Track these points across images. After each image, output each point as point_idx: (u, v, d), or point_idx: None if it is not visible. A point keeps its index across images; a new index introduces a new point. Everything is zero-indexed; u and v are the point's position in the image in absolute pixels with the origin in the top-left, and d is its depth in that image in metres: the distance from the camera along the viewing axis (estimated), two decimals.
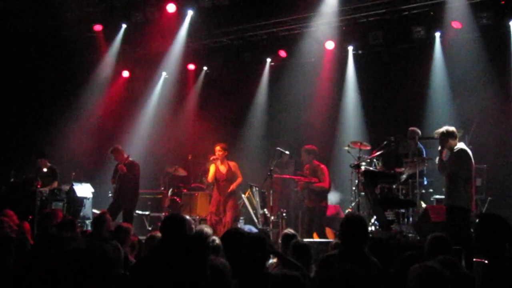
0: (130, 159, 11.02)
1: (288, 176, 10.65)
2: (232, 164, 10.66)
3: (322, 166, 10.28)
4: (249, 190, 11.51)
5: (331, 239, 9.57)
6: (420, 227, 9.65)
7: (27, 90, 13.36)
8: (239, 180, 10.61)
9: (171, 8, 12.28)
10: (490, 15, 10.91)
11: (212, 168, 10.63)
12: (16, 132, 12.96)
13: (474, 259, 7.55)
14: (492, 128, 10.91)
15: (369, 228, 9.64)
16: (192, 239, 2.89)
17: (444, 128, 8.26)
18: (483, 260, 7.17)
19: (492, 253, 4.29)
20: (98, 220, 6.68)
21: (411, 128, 10.80)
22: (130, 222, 9.59)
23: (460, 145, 8.32)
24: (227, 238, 4.79)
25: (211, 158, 10.57)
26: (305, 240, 7.84)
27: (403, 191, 10.20)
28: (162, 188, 12.93)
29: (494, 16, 10.92)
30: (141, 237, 9.13)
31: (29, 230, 7.38)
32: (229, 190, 10.42)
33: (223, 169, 10.55)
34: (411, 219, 10.35)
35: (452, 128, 8.28)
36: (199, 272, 2.68)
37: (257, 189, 11.07)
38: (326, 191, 10.18)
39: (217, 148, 10.56)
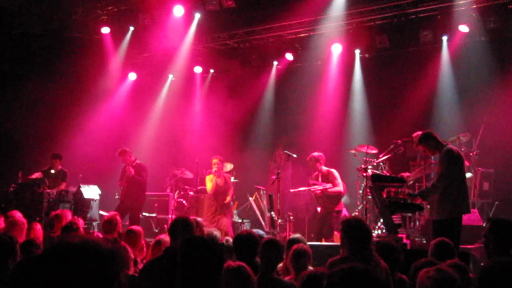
0: (138, 161, 11.06)
1: (304, 189, 10.52)
2: (227, 176, 11.02)
3: (332, 170, 10.15)
4: (256, 193, 11.53)
5: (338, 242, 9.57)
6: (427, 231, 9.64)
7: (33, 91, 13.41)
8: (232, 191, 10.98)
9: (178, 11, 12.31)
10: (497, 19, 10.90)
11: (211, 180, 10.76)
12: (23, 133, 13.01)
13: (482, 264, 7.54)
14: (500, 132, 10.87)
15: (376, 232, 9.64)
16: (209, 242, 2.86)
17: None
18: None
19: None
20: (107, 222, 6.66)
21: (417, 133, 10.79)
22: (137, 224, 9.60)
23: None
24: (240, 240, 4.80)
25: (213, 171, 10.70)
26: (313, 243, 7.86)
27: None
28: (168, 190, 12.96)
29: (501, 20, 10.90)
30: (148, 239, 9.17)
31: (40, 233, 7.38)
32: (225, 202, 10.75)
33: (220, 181, 10.83)
34: (417, 222, 10.36)
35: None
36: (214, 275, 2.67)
37: (264, 192, 11.10)
38: (341, 194, 10.08)
39: (215, 161, 10.76)
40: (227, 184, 10.91)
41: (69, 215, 7.57)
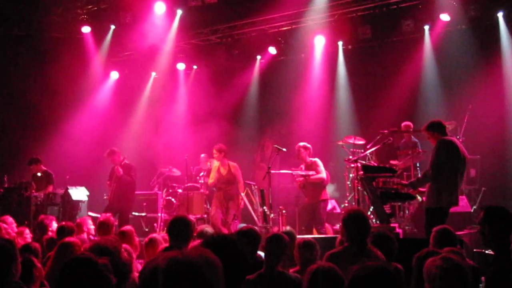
0: (126, 161, 10.99)
1: (285, 172, 10.54)
2: (232, 165, 10.70)
3: (316, 159, 10.12)
4: (247, 188, 11.50)
5: (330, 234, 9.60)
6: (417, 220, 9.74)
7: (14, 93, 13.25)
8: (241, 185, 10.67)
9: (159, 8, 12.23)
10: (478, 7, 11.01)
11: (213, 171, 10.65)
12: (7, 137, 12.84)
13: (474, 250, 7.66)
14: (485, 119, 11.00)
15: None
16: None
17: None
18: (483, 251, 7.29)
19: (499, 245, 4.35)
20: (102, 224, 6.62)
21: (405, 123, 10.89)
22: (126, 224, 9.53)
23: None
24: (242, 235, 4.79)
25: (210, 161, 10.60)
26: (306, 236, 7.88)
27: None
28: (156, 189, 12.90)
29: (482, 7, 11.02)
30: (139, 238, 9.13)
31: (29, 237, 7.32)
32: (231, 193, 10.53)
33: (223, 171, 10.58)
34: (407, 211, 10.45)
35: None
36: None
37: (256, 187, 11.08)
38: (324, 182, 10.02)
39: (214, 151, 10.63)
40: (231, 173, 10.57)
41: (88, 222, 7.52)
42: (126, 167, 10.85)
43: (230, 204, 10.50)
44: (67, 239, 5.55)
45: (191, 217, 6.47)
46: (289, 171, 10.29)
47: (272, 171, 9.57)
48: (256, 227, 5.86)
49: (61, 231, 6.60)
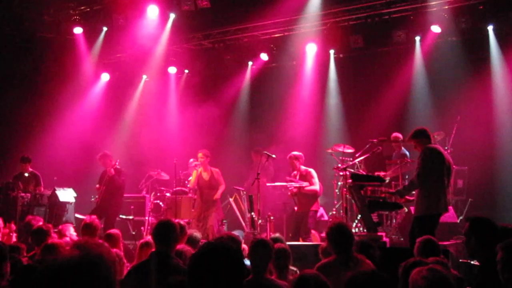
0: (118, 166, 10.96)
1: (279, 184, 10.53)
2: (215, 171, 10.75)
3: (310, 170, 10.14)
4: (235, 194, 11.49)
5: (317, 242, 9.61)
6: (404, 229, 9.79)
7: (4, 93, 13.15)
8: (223, 187, 10.75)
9: (152, 11, 12.22)
10: (469, 20, 11.11)
11: (194, 174, 10.66)
12: None
13: (460, 260, 7.71)
14: (473, 130, 11.09)
15: (354, 230, 9.72)
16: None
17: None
18: (469, 261, 7.34)
19: (484, 256, 4.38)
20: (87, 226, 6.58)
21: (394, 134, 10.95)
22: (111, 227, 9.49)
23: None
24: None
25: (194, 165, 10.59)
26: (292, 243, 7.90)
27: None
28: (144, 192, 12.85)
29: (472, 20, 11.11)
30: (126, 242, 9.10)
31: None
32: (214, 199, 10.56)
33: (206, 176, 10.61)
34: (394, 220, 10.50)
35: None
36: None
37: (244, 193, 11.07)
38: (317, 194, 10.05)
39: (200, 155, 10.66)
40: (214, 179, 10.68)
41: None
42: (117, 172, 10.83)
43: (210, 210, 10.53)
44: (51, 241, 5.52)
45: (181, 222, 6.44)
46: (284, 183, 10.27)
47: (268, 184, 9.63)
48: (235, 233, 5.84)
49: (36, 233, 6.49)
